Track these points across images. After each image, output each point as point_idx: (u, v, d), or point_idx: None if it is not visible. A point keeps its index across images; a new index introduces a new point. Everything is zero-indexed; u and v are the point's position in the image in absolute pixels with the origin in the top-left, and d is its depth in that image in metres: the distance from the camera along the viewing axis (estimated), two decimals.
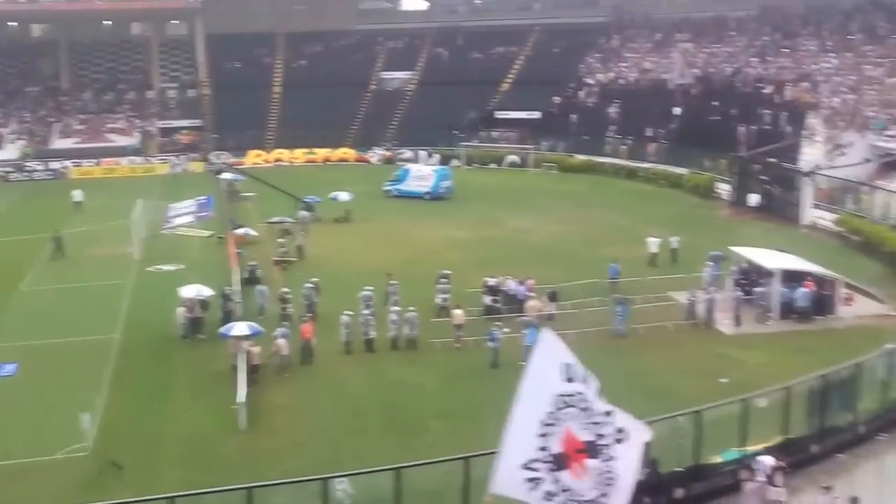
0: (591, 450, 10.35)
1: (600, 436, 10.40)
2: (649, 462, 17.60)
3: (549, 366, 10.36)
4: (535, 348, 10.54)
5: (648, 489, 17.62)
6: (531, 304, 29.75)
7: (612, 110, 67.26)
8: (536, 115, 70.96)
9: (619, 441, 10.50)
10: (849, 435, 20.61)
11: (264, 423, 22.74)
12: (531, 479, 10.05)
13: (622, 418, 10.65)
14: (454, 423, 22.09)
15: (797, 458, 18.67)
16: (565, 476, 10.13)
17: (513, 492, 10.33)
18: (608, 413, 10.53)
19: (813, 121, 52.59)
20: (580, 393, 10.35)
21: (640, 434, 10.78)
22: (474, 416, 21.89)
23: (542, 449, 10.06)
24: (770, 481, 16.98)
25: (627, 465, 10.61)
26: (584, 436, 10.35)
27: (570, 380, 10.34)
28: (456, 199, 53.64)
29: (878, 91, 53.03)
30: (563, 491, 10.20)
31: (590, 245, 40.16)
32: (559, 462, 10.08)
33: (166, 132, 74.50)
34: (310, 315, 29.34)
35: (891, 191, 41.68)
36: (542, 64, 76.96)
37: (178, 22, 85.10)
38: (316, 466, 17.93)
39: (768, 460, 17.54)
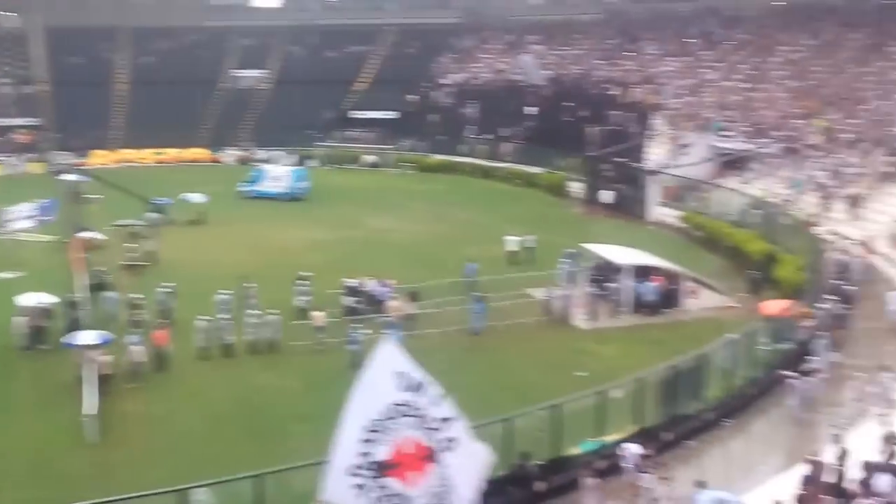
0: (429, 457, 10.41)
1: (435, 442, 10.46)
2: (519, 455, 18.12)
3: (384, 374, 10.38)
4: (373, 356, 10.54)
5: (516, 481, 18.09)
6: (392, 304, 29.74)
7: (470, 110, 68.15)
8: (393, 114, 71.20)
9: (449, 449, 10.56)
10: (697, 422, 21.65)
11: (117, 434, 21.77)
12: (357, 486, 10.02)
13: (458, 428, 10.72)
14: (316, 427, 21.65)
15: (651, 446, 19.42)
16: (392, 483, 10.13)
17: (341, 498, 10.23)
18: (445, 420, 10.59)
19: (657, 121, 54.85)
20: (415, 402, 10.38)
21: (474, 446, 10.87)
22: (336, 420, 21.64)
23: (365, 455, 10.05)
24: (638, 469, 17.66)
25: (462, 474, 10.67)
26: (423, 443, 10.40)
27: (406, 388, 10.36)
28: (313, 200, 53.10)
29: (715, 94, 55.83)
30: (389, 497, 10.18)
31: (450, 244, 40.51)
32: (383, 469, 10.09)
33: (0, 131, 70.43)
34: (164, 321, 28.38)
35: (729, 188, 44.00)
36: (397, 64, 77.16)
37: (11, 13, 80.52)
38: (174, 477, 17.27)
39: (635, 449, 18.20)
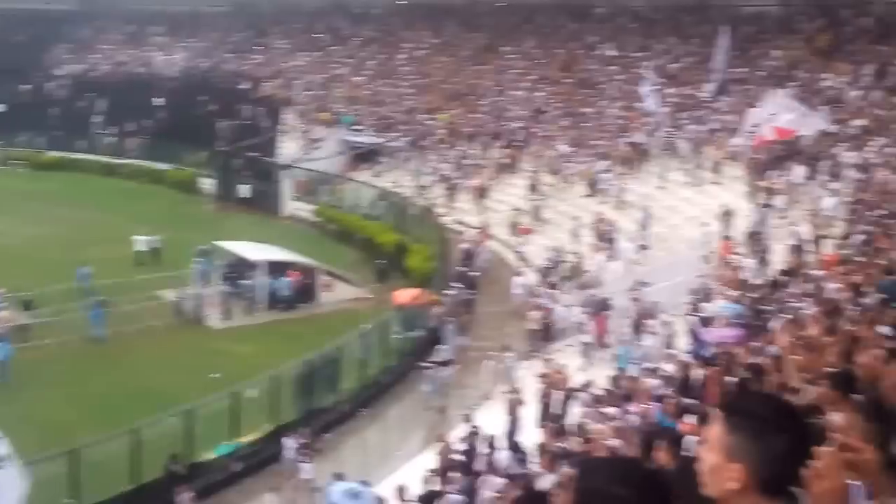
0: None
1: None
2: (169, 457, 17.53)
3: None
4: None
5: (170, 483, 17.22)
6: (1, 315, 26.83)
7: (92, 104, 63.51)
8: (0, 107, 64.42)
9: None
10: (334, 414, 21.81)
11: None
12: None
13: (3, 446, 9.96)
14: None
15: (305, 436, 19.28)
16: None
17: None
18: None
19: (288, 116, 54.89)
20: None
21: (16, 466, 10.16)
22: None
23: None
24: (296, 460, 17.52)
25: (5, 492, 10.02)
26: None
27: None
28: None
29: (345, 88, 57.01)
30: None
31: (71, 247, 37.16)
32: None
33: None
34: None
35: (360, 182, 45.14)
36: (4, 52, 69.84)
37: None
38: None
39: (292, 442, 18.01)
